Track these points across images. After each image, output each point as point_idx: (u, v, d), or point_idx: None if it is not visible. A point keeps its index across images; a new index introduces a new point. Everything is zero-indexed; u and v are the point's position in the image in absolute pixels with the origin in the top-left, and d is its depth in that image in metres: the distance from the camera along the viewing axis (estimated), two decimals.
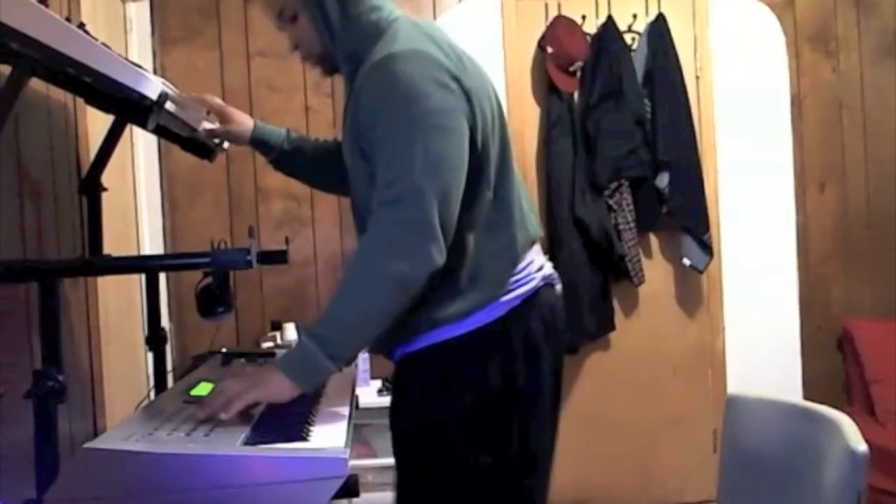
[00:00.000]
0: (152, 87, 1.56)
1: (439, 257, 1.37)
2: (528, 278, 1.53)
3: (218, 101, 1.88)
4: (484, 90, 1.51)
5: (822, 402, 1.47)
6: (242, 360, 2.16)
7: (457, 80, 1.42)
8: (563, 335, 1.63)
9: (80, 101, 1.96)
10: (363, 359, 3.02)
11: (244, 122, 1.86)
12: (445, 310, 1.46)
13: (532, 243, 1.58)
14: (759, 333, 3.51)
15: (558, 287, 1.64)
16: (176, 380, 2.52)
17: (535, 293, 1.53)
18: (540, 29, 3.37)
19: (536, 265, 1.57)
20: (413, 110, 1.37)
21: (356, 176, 1.51)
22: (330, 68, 1.59)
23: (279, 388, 1.40)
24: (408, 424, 1.53)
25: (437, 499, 1.50)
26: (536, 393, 1.52)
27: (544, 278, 1.58)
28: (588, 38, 3.35)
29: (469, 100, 1.43)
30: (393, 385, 1.58)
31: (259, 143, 1.85)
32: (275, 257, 1.89)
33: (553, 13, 3.37)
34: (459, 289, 1.46)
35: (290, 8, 1.52)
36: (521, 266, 1.52)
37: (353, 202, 1.58)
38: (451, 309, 1.46)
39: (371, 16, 1.48)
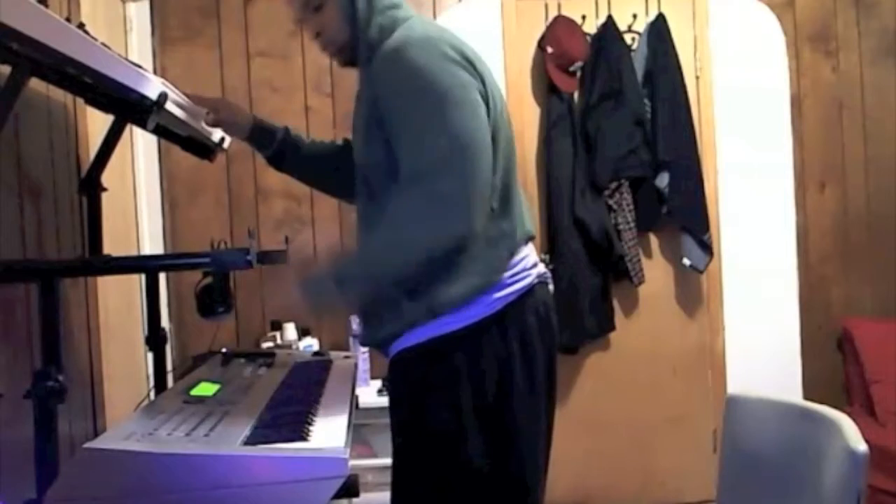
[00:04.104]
0: (152, 87, 1.56)
1: (473, 226, 1.41)
2: (525, 274, 1.54)
3: (212, 97, 1.90)
4: (493, 82, 1.56)
5: (822, 402, 1.46)
6: (242, 360, 2.16)
7: (471, 62, 1.48)
8: (556, 334, 1.64)
9: (80, 101, 1.96)
10: (363, 359, 3.02)
11: (244, 113, 1.87)
12: (443, 296, 1.46)
13: (528, 240, 1.60)
14: (759, 334, 3.51)
15: (550, 286, 1.66)
16: (176, 380, 2.52)
17: (531, 289, 1.55)
18: (540, 29, 3.37)
19: (531, 261, 1.58)
20: (431, 89, 1.42)
21: (368, 141, 1.54)
22: (348, 58, 1.62)
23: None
24: (405, 421, 1.53)
25: (433, 495, 1.50)
26: (531, 387, 1.53)
27: (538, 276, 1.59)
28: (588, 38, 3.35)
29: (483, 82, 1.49)
30: (390, 382, 1.59)
31: (257, 137, 1.86)
32: (275, 257, 1.89)
33: (553, 13, 3.37)
34: (458, 273, 1.46)
35: None
36: (517, 259, 1.53)
37: (360, 169, 1.61)
38: (448, 295, 1.46)
39: (391, 12, 1.55)
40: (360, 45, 1.56)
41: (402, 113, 1.45)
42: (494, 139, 1.49)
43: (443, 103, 1.41)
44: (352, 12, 1.54)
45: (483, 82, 1.50)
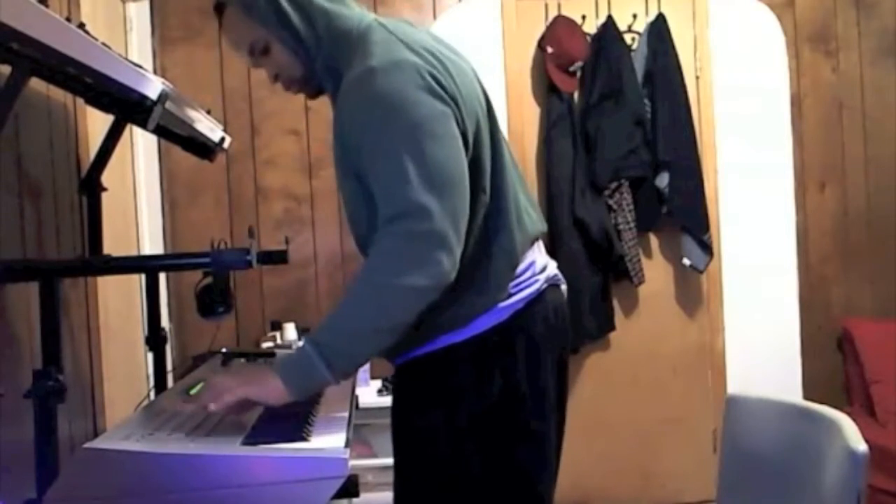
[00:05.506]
0: (152, 87, 1.56)
1: (451, 269, 1.34)
2: (532, 280, 1.50)
3: None
4: (469, 90, 1.47)
5: (822, 402, 1.46)
6: (242, 360, 2.17)
7: (441, 85, 1.38)
8: (567, 335, 1.61)
9: (80, 101, 1.96)
10: None
11: None
12: (445, 317, 1.43)
13: (532, 241, 1.55)
14: (759, 333, 3.51)
15: (563, 287, 1.61)
16: (176, 380, 2.52)
17: (540, 295, 1.51)
18: (540, 29, 3.37)
19: (540, 265, 1.54)
20: (400, 123, 1.34)
21: (349, 196, 1.48)
22: (315, 90, 1.55)
23: (271, 389, 1.36)
24: (410, 430, 1.52)
25: (436, 501, 1.49)
26: (539, 396, 1.50)
27: (548, 279, 1.55)
28: (588, 38, 3.35)
29: (456, 104, 1.40)
30: (394, 390, 1.57)
31: None
32: (275, 257, 1.89)
33: (553, 13, 3.37)
34: (459, 295, 1.42)
35: (259, 40, 1.47)
36: (522, 268, 1.50)
37: (350, 221, 1.54)
38: (451, 316, 1.43)
39: (339, 24, 1.45)
40: (318, 71, 1.48)
41: (372, 152, 1.36)
42: (478, 160, 1.43)
43: (413, 138, 1.33)
44: (295, 42, 1.45)
45: (456, 103, 1.40)
